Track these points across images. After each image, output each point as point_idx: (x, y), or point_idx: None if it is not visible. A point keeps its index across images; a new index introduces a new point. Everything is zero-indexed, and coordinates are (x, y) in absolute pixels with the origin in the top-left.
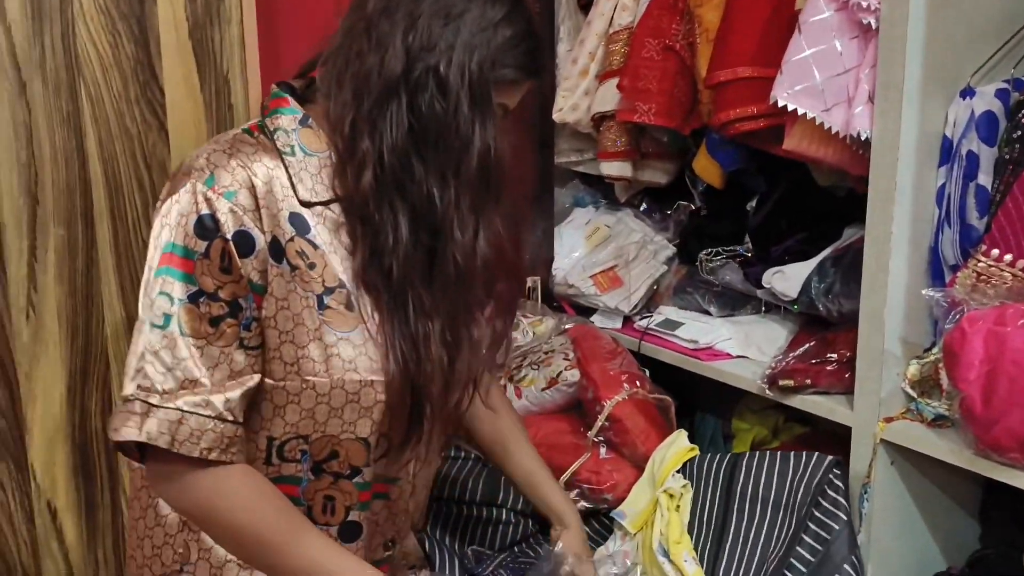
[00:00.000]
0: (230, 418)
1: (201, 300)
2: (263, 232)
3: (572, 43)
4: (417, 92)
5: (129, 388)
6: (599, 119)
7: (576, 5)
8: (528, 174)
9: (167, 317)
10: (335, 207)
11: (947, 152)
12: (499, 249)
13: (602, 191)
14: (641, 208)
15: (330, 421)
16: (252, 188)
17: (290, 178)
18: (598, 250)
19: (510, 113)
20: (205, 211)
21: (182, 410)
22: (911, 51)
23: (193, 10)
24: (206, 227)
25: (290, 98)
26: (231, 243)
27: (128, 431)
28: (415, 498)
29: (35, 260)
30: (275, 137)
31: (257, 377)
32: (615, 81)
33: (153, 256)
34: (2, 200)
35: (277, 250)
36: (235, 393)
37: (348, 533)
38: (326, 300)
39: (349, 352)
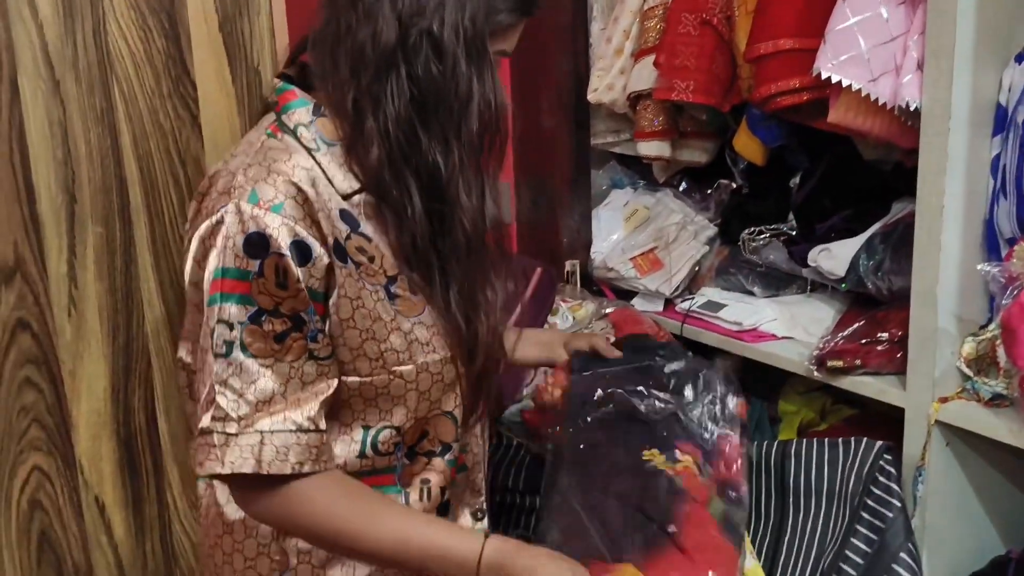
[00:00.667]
0: (312, 427)
1: (263, 319)
2: (319, 238)
3: (605, 21)
4: (414, 59)
5: (205, 422)
6: (635, 98)
7: None
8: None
9: (229, 345)
10: (366, 194)
11: (1001, 120)
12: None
13: (640, 172)
14: (680, 188)
15: (420, 405)
16: (298, 195)
17: (326, 174)
18: (637, 232)
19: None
20: (252, 229)
21: (262, 431)
22: (962, 15)
23: (222, 3)
24: (256, 245)
25: (297, 89)
26: (286, 257)
27: (211, 465)
28: (483, 469)
29: (75, 258)
30: (298, 134)
31: (334, 383)
32: (651, 59)
33: (203, 281)
34: (40, 198)
35: (340, 251)
36: (312, 405)
37: (443, 514)
38: (392, 289)
39: (424, 334)
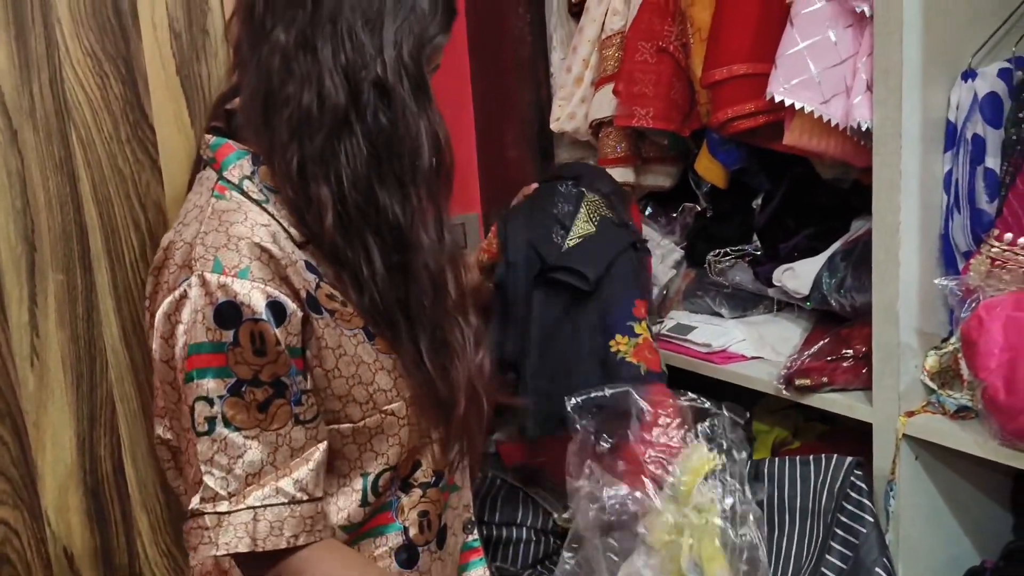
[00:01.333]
0: (305, 498)
1: (244, 390)
2: (291, 294)
3: (565, 51)
4: (366, 113)
5: (194, 503)
6: (597, 126)
7: (567, 13)
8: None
9: (211, 421)
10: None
11: (952, 137)
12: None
13: None
14: (646, 213)
15: (411, 436)
16: (262, 255)
17: (282, 225)
18: None
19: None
20: (222, 299)
21: (254, 507)
22: (908, 35)
23: (179, 47)
24: (227, 315)
25: (231, 141)
26: (262, 321)
27: (205, 548)
28: (469, 482)
29: (36, 307)
30: (244, 188)
31: (324, 446)
32: (611, 87)
33: (174, 358)
34: (0, 248)
35: (313, 303)
36: (303, 471)
37: (441, 538)
38: (371, 329)
39: None
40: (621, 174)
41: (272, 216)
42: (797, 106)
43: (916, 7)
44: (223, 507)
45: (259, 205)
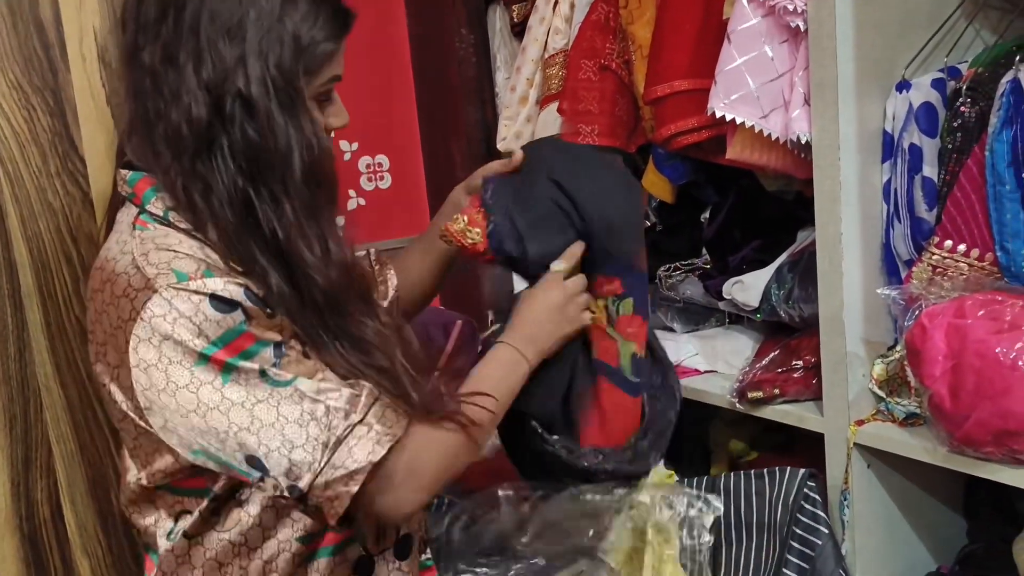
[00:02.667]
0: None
1: (283, 347)
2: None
3: (509, 71)
4: (232, 128)
5: (304, 482)
6: None
7: (510, 33)
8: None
9: (281, 383)
10: None
11: (889, 147)
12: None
13: None
14: None
15: None
16: (210, 264)
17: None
18: None
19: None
20: (209, 293)
21: (359, 422)
22: (841, 49)
23: (109, 77)
24: (223, 302)
25: (148, 175)
26: (247, 304)
27: (357, 461)
28: None
29: None
30: (171, 220)
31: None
32: (556, 105)
33: (177, 380)
34: None
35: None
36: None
37: (402, 548)
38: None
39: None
40: None
41: (202, 241)
42: (738, 121)
43: (848, 21)
44: (339, 434)
45: (187, 233)
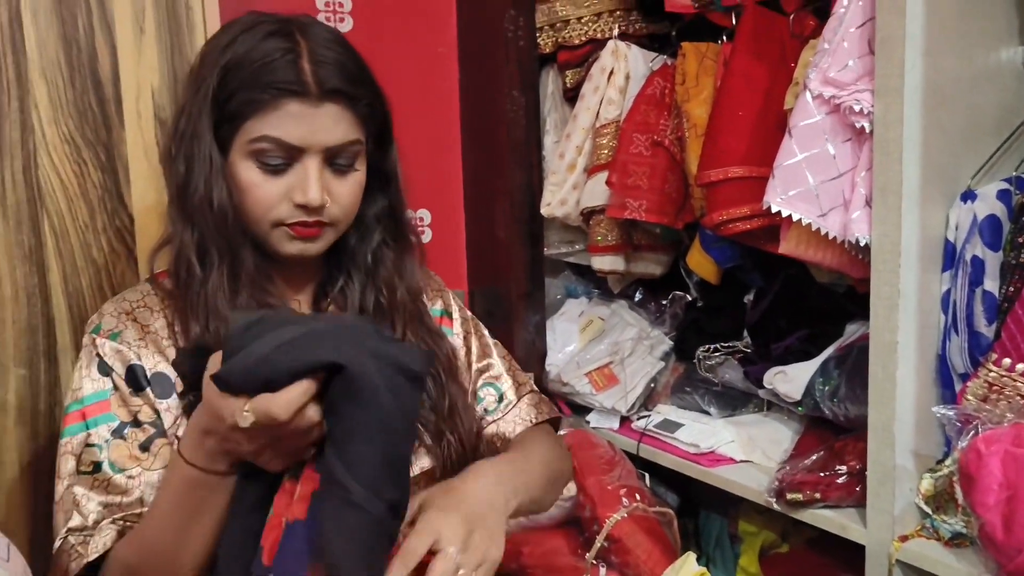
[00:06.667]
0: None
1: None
2: None
3: (559, 135)
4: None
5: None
6: (589, 213)
7: (562, 98)
8: None
9: (96, 465)
10: None
11: (950, 256)
12: None
13: (594, 281)
14: (636, 299)
15: None
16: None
17: None
18: (592, 345)
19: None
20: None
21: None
22: (908, 154)
23: (163, 134)
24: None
25: None
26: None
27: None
28: None
29: None
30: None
31: None
32: (604, 175)
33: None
34: None
35: None
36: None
37: None
38: None
39: None
40: (611, 262)
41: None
42: (795, 217)
43: (916, 125)
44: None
45: (160, 288)
